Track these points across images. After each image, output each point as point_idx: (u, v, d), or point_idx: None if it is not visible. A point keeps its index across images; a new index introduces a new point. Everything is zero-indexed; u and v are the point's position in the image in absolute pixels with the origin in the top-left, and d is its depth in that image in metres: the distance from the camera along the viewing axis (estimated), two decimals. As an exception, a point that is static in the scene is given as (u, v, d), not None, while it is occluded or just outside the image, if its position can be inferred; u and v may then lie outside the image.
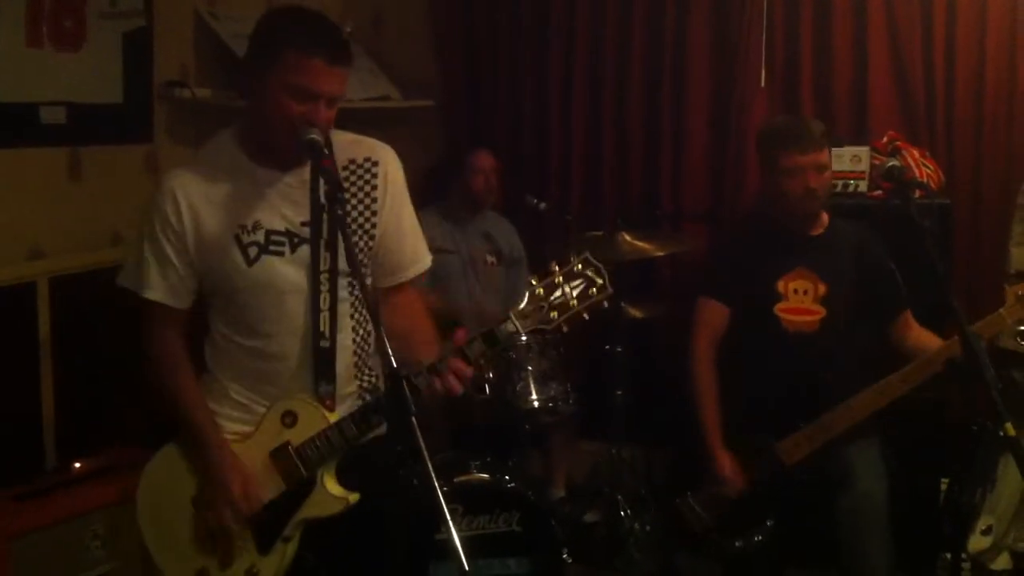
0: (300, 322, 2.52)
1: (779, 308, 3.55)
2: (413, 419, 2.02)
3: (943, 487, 4.23)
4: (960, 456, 4.12)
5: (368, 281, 2.56)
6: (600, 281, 2.29)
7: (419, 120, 5.28)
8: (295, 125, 2.36)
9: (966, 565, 4.09)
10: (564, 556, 3.87)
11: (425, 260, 2.73)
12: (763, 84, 4.75)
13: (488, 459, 3.81)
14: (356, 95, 4.73)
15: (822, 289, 3.54)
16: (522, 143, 5.22)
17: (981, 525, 4.18)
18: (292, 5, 2.48)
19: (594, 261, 2.31)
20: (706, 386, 3.62)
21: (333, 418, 2.50)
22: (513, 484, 3.71)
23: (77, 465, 3.43)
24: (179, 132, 4.02)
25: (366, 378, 2.67)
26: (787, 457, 3.43)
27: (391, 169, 2.62)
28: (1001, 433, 2.61)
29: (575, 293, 2.27)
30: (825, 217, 3.64)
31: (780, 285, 3.56)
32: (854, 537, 3.40)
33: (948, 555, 3.98)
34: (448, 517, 1.94)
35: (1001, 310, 3.25)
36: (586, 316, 2.30)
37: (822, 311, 3.54)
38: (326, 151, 2.39)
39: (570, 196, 5.13)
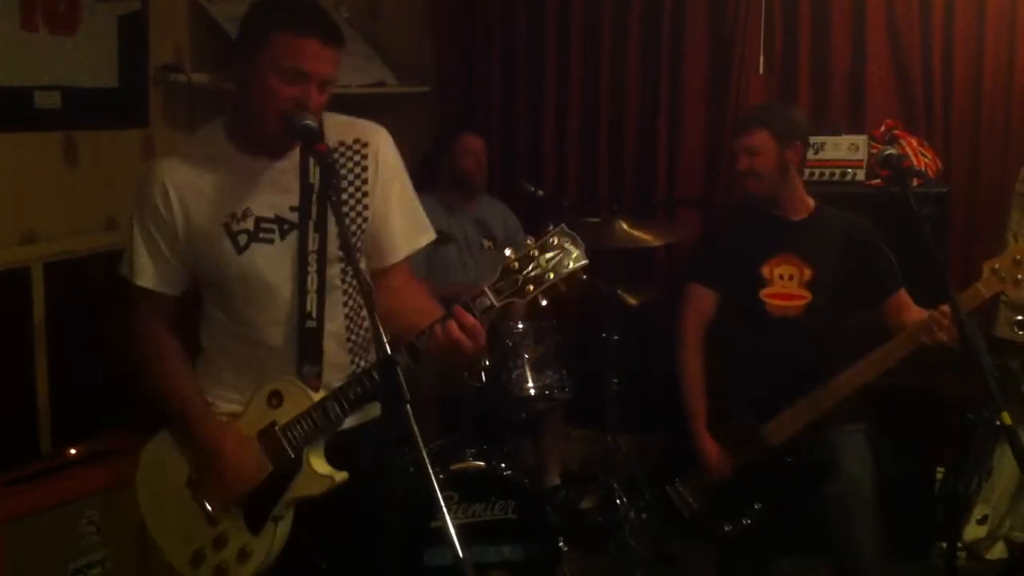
0: (288, 309, 2.50)
1: (764, 293, 3.54)
2: (408, 406, 2.01)
3: (939, 476, 4.24)
4: (956, 445, 4.13)
5: (363, 265, 2.54)
6: (576, 252, 2.26)
7: (415, 106, 5.26)
8: (286, 110, 2.32)
9: (962, 554, 4.11)
10: (559, 543, 3.88)
11: (419, 239, 2.68)
12: (761, 72, 4.74)
13: (484, 447, 3.81)
14: (352, 81, 4.71)
15: (808, 274, 3.52)
16: (518, 129, 5.23)
17: (976, 514, 4.19)
18: None
19: (569, 232, 2.27)
20: (693, 371, 3.64)
21: (317, 398, 2.48)
22: (509, 472, 3.71)
23: (72, 451, 3.42)
24: (175, 116, 4.00)
25: (361, 364, 2.62)
26: (772, 437, 3.43)
27: (382, 150, 2.58)
28: (997, 422, 2.61)
29: (550, 264, 2.24)
30: (810, 202, 3.61)
31: (765, 270, 3.54)
32: (841, 522, 3.40)
33: (944, 544, 3.99)
34: (443, 505, 1.93)
35: (978, 284, 3.20)
36: (563, 287, 2.27)
37: (807, 296, 3.52)
38: (321, 138, 2.36)
39: (565, 182, 5.14)
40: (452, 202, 4.67)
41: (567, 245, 2.26)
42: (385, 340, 2.03)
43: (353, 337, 2.60)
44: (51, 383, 3.56)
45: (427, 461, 1.95)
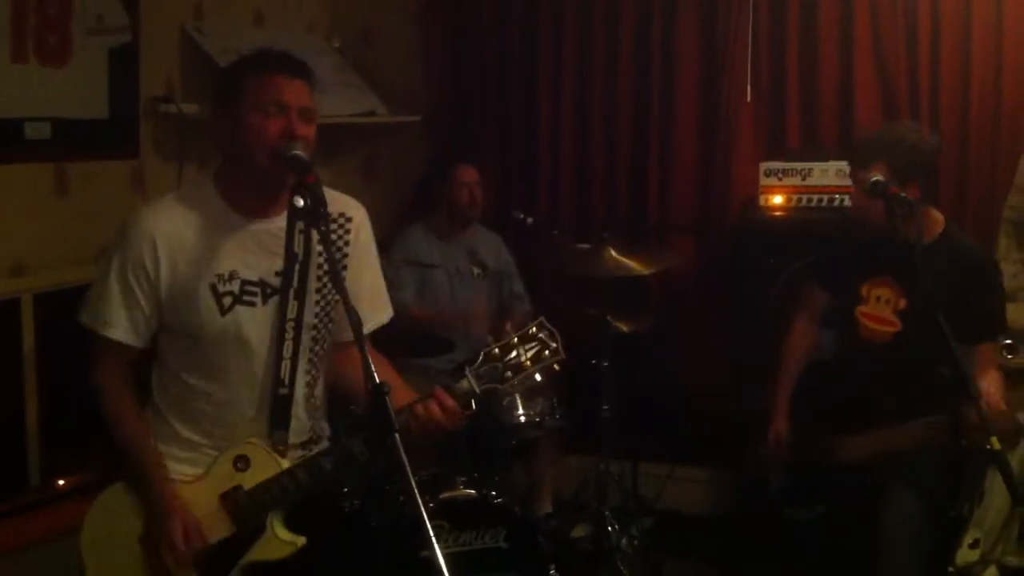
0: (259, 371, 2.54)
1: (860, 311, 3.49)
2: (396, 435, 2.03)
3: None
4: (949, 469, 4.11)
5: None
6: (554, 345, 2.47)
7: (406, 135, 5.28)
8: (275, 144, 2.39)
9: (954, 579, 4.09)
10: (551, 572, 3.86)
11: (383, 316, 2.77)
12: (748, 99, 4.77)
13: (475, 474, 3.80)
14: (343, 110, 4.73)
15: (902, 303, 3.40)
16: (509, 158, 5.24)
17: (969, 539, 4.18)
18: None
19: (548, 326, 2.49)
20: (793, 358, 3.71)
21: (285, 464, 2.52)
22: (500, 500, 3.70)
23: (61, 482, 3.41)
24: (165, 148, 4.01)
25: (316, 429, 2.70)
26: (842, 453, 3.39)
27: (362, 227, 2.69)
28: (987, 447, 2.62)
29: (529, 355, 2.46)
30: (939, 226, 3.40)
31: (864, 288, 3.47)
32: (888, 553, 3.35)
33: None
34: (432, 534, 1.94)
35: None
36: (538, 377, 2.49)
37: (898, 325, 3.41)
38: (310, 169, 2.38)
39: (558, 210, 5.15)
40: (445, 231, 4.70)
41: (546, 339, 2.48)
42: (374, 371, 2.06)
43: (312, 399, 2.66)
44: (40, 414, 3.55)
45: (416, 490, 1.96)
